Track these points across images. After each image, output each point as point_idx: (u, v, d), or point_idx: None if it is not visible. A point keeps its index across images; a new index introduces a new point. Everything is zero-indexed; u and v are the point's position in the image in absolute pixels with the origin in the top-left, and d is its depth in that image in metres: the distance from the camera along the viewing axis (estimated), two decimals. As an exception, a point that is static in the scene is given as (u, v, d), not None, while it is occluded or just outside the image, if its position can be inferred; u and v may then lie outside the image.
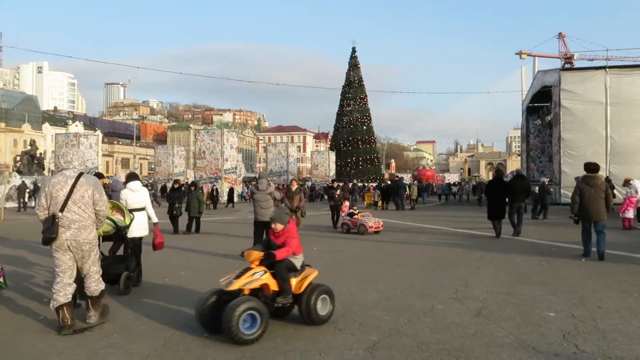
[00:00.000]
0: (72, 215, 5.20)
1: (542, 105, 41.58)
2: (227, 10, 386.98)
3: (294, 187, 13.00)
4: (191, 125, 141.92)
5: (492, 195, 13.69)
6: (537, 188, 20.69)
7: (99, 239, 6.30)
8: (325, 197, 37.03)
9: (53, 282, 5.30)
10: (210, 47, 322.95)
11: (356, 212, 15.50)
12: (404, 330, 5.02)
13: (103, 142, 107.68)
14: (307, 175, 76.49)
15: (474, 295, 6.55)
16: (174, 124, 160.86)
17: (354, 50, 67.64)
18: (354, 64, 67.34)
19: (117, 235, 7.17)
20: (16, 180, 32.49)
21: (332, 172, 54.97)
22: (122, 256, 7.50)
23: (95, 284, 5.46)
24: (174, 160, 55.54)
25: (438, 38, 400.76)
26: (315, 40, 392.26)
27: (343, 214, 15.79)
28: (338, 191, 22.75)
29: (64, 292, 5.18)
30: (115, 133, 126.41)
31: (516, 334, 4.87)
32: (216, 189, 33.03)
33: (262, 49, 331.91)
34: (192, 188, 15.56)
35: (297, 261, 5.54)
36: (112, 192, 9.30)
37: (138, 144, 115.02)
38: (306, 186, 47.92)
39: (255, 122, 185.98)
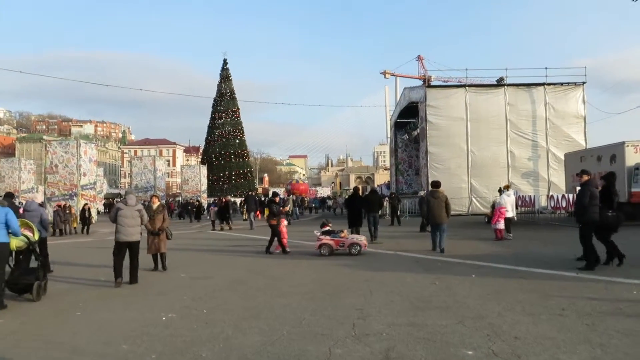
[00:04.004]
0: None
1: (408, 120, 43.45)
2: (85, 15, 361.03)
3: (155, 204, 10.90)
4: (44, 137, 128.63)
5: (350, 207, 16.24)
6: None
7: (11, 253, 7.88)
8: (195, 213, 34.82)
9: None
10: (66, 53, 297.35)
11: (336, 231, 13.10)
12: (299, 394, 3.80)
13: None
14: (177, 191, 72.64)
15: (374, 330, 5.53)
16: (24, 135, 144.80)
17: (225, 62, 66.18)
18: (225, 76, 65.70)
19: (28, 250, 8.22)
20: None
21: (204, 186, 52.50)
22: (31, 268, 8.24)
23: None
24: (21, 175, 49.37)
25: (307, 57, 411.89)
26: (184, 52, 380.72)
27: (317, 233, 13.04)
28: (288, 206, 20.06)
29: None
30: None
31: (439, 386, 3.88)
32: (89, 209, 26.89)
33: (125, 58, 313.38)
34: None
35: None
36: (25, 211, 9.80)
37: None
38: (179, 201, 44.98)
39: (120, 135, 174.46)
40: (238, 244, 16.67)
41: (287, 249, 13.37)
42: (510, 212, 16.19)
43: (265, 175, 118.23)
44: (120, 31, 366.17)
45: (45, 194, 36.23)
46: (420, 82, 71.20)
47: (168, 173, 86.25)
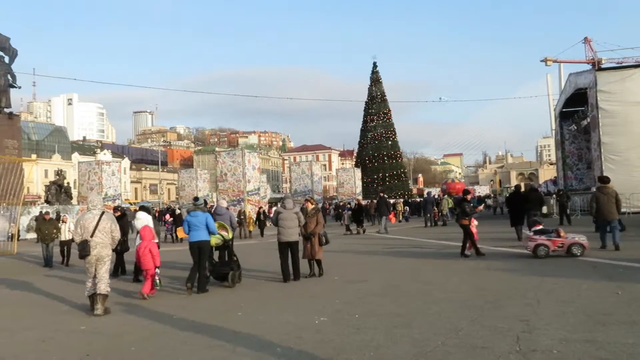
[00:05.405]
0: (98, 239, 7.64)
1: (576, 109, 39.36)
2: (244, 36, 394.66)
3: (309, 208, 10.77)
4: (217, 149, 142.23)
5: (512, 206, 16.32)
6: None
7: (212, 248, 9.62)
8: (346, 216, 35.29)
9: (86, 281, 7.82)
10: (230, 72, 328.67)
11: (550, 230, 12.00)
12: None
13: (131, 169, 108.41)
14: (334, 194, 74.96)
15: (543, 345, 4.87)
16: (200, 148, 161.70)
17: (375, 66, 66.46)
18: (375, 79, 66.09)
19: (224, 246, 9.87)
20: (35, 210, 31.82)
21: (359, 189, 53.31)
22: (228, 260, 9.89)
23: (105, 286, 7.64)
24: (198, 184, 54.84)
25: (458, 51, 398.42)
26: (334, 61, 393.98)
27: (529, 233, 12.23)
28: (481, 206, 20.02)
29: (93, 287, 7.61)
30: (143, 160, 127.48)
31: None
32: (264, 212, 28.57)
33: (281, 72, 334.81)
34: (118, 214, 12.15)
35: None
36: (216, 215, 10.70)
37: (165, 170, 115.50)
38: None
39: (280, 143, 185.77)
40: (391, 244, 16.46)
41: (481, 251, 12.28)
42: None
43: (420, 175, 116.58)
44: (275, 48, 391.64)
45: (217, 200, 39.74)
46: (588, 67, 64.30)
47: (325, 177, 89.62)
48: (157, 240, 9.74)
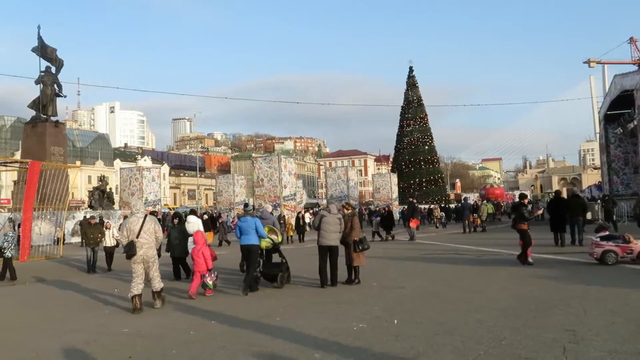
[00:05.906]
0: (143, 240, 8.15)
1: (622, 112, 38.01)
2: (282, 43, 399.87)
3: (345, 213, 10.47)
4: (253, 155, 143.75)
5: (552, 211, 16.06)
6: None
7: (262, 251, 10.04)
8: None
9: (131, 282, 8.23)
10: (266, 79, 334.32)
11: (618, 236, 11.61)
12: None
13: (170, 174, 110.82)
14: (370, 199, 74.63)
15: (592, 357, 4.69)
16: (236, 154, 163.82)
17: (411, 70, 66.18)
18: (412, 84, 65.69)
19: (273, 249, 10.33)
20: (80, 215, 32.82)
21: (395, 194, 52.91)
22: (277, 262, 10.38)
23: (158, 283, 8.38)
24: (235, 190, 55.50)
25: (497, 55, 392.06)
26: (370, 66, 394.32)
27: (595, 238, 11.43)
28: (540, 210, 19.95)
29: (137, 287, 8.07)
30: (182, 166, 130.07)
31: None
32: (303, 217, 27.87)
33: (317, 78, 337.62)
34: (175, 221, 12.59)
35: None
36: (262, 219, 10.78)
37: (203, 175, 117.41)
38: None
39: (316, 149, 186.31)
40: (428, 250, 16.23)
41: (530, 260, 11.69)
42: None
43: (457, 180, 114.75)
44: (312, 55, 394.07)
45: (254, 205, 40.03)
46: (634, 68, 62.00)
47: (360, 182, 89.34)
48: (209, 244, 10.27)
